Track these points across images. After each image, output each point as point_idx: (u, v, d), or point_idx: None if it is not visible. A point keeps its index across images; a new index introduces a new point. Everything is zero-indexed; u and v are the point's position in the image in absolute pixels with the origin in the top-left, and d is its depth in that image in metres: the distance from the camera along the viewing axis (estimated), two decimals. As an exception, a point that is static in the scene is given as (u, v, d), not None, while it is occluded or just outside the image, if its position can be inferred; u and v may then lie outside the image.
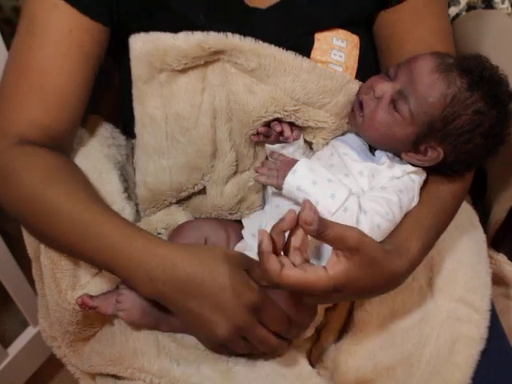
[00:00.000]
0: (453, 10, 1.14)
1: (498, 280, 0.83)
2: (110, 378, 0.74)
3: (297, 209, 0.61)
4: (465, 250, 0.78)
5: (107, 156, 0.81)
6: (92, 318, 0.76)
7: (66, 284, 0.73)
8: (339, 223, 0.61)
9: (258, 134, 0.74)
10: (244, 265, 0.66)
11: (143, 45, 0.71)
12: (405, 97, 0.70)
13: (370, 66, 0.79)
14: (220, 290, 0.64)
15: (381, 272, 0.63)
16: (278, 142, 0.75)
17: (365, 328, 0.75)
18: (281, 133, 0.73)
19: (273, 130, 0.73)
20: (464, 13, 1.15)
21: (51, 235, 0.70)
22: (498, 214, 0.96)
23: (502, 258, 0.90)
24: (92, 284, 0.75)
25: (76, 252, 0.70)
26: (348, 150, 0.74)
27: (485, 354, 0.72)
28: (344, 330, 0.78)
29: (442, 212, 0.73)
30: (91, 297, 0.72)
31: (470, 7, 1.16)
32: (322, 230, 0.58)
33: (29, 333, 1.14)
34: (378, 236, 0.67)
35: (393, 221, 0.69)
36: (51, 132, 0.73)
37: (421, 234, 0.70)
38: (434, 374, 0.71)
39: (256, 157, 0.78)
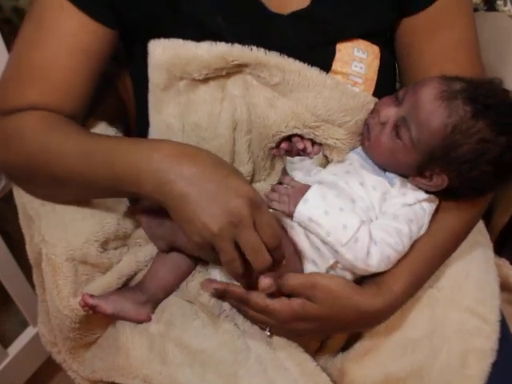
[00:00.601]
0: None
1: (501, 285, 0.83)
2: None
3: None
4: (472, 259, 0.78)
5: None
6: (93, 323, 0.76)
7: (67, 291, 0.72)
8: (295, 275, 0.67)
9: (278, 148, 0.73)
10: None
11: (163, 52, 0.69)
12: (407, 124, 0.70)
13: (389, 77, 0.79)
14: (223, 177, 0.61)
15: (350, 308, 0.67)
16: (298, 155, 0.75)
17: (374, 337, 0.75)
18: (303, 149, 0.73)
19: (295, 146, 0.73)
20: (467, 15, 1.15)
21: (59, 176, 0.69)
22: (500, 218, 0.96)
23: (504, 262, 0.90)
24: (94, 285, 0.74)
25: (85, 185, 0.69)
26: (363, 163, 0.75)
27: (495, 365, 0.73)
28: (351, 340, 0.78)
29: (448, 242, 0.75)
30: (91, 296, 0.71)
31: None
32: (280, 287, 0.66)
33: (29, 333, 1.14)
34: (385, 266, 0.69)
35: (401, 252, 0.70)
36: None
37: (413, 269, 0.71)
38: None
39: (273, 168, 0.77)
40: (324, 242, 0.69)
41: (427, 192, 0.73)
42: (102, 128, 0.83)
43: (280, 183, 0.76)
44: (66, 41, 0.71)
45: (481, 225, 0.85)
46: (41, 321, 0.82)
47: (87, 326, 0.75)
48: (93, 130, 0.81)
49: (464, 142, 0.68)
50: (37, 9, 0.72)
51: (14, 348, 1.13)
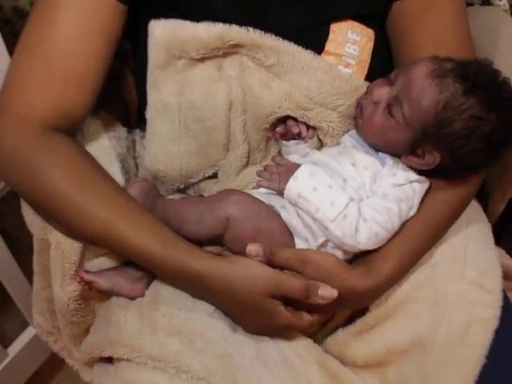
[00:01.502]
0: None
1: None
2: (107, 363, 0.74)
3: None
4: (470, 235, 0.78)
5: (108, 148, 0.81)
6: (92, 302, 0.77)
7: (71, 273, 0.74)
8: (286, 249, 0.69)
9: (274, 132, 0.75)
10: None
11: (163, 31, 0.70)
12: (400, 102, 0.71)
13: (382, 60, 0.80)
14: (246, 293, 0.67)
15: (339, 285, 0.67)
16: (293, 139, 0.76)
17: (375, 313, 0.75)
18: (298, 133, 0.75)
19: (290, 130, 0.74)
20: (461, 9, 1.15)
21: (81, 231, 0.71)
22: (495, 207, 0.96)
23: (500, 252, 0.90)
24: (93, 263, 0.76)
25: (107, 247, 0.72)
26: (356, 144, 0.76)
27: (498, 332, 0.73)
28: (353, 316, 0.78)
29: (439, 221, 0.75)
30: (87, 271, 0.73)
31: (467, 4, 1.15)
32: (270, 258, 0.67)
33: (29, 333, 1.14)
34: (374, 244, 0.70)
35: (391, 230, 0.71)
36: (70, 116, 0.73)
37: (402, 250, 0.72)
38: (449, 355, 0.71)
39: (268, 151, 0.79)
40: (314, 218, 0.69)
41: (419, 172, 0.74)
42: (102, 118, 0.84)
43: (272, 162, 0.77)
44: (85, 19, 0.70)
45: (477, 206, 0.86)
46: (36, 311, 0.83)
47: (87, 307, 0.77)
48: (93, 120, 0.82)
49: (456, 118, 0.69)
50: None
51: (14, 348, 1.12)
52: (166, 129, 0.77)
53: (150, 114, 0.77)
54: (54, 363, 1.16)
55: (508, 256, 0.86)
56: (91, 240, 0.72)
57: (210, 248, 0.72)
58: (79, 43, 0.71)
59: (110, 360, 0.74)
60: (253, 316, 0.69)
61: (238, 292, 0.67)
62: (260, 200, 0.73)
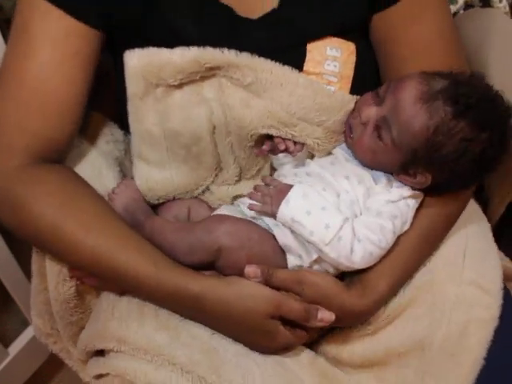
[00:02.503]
0: (451, 9, 1.14)
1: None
2: (99, 356, 0.75)
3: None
4: (469, 235, 0.78)
5: (105, 152, 0.81)
6: (88, 296, 0.78)
7: (68, 275, 0.74)
8: (283, 270, 0.69)
9: (261, 149, 0.74)
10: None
11: (138, 61, 0.70)
12: (388, 125, 0.70)
13: (369, 71, 0.79)
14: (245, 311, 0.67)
15: (336, 306, 0.69)
16: (282, 153, 0.76)
17: (376, 322, 0.75)
18: (285, 149, 0.74)
19: (277, 147, 0.74)
20: (462, 11, 1.15)
21: (70, 261, 0.72)
22: (496, 210, 0.96)
23: (500, 254, 0.89)
24: None
25: (98, 274, 0.72)
26: (348, 157, 0.75)
27: (498, 331, 0.72)
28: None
29: (432, 232, 0.75)
30: None
31: (467, 6, 1.16)
32: (268, 279, 0.68)
33: (29, 332, 1.15)
34: (369, 262, 0.70)
35: (385, 248, 0.71)
36: (54, 143, 0.73)
37: (397, 265, 0.72)
38: (447, 357, 0.71)
39: (260, 166, 0.78)
40: (308, 241, 0.69)
41: (412, 188, 0.73)
42: (99, 122, 0.84)
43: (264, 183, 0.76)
44: (57, 47, 0.70)
45: (476, 206, 0.85)
46: (34, 313, 0.83)
47: (83, 303, 0.78)
48: (89, 124, 0.82)
49: (446, 142, 0.67)
50: (21, 21, 0.71)
51: (15, 348, 1.13)
52: (154, 156, 0.77)
53: (135, 141, 0.77)
54: (54, 363, 1.17)
55: (508, 259, 0.86)
56: (82, 269, 0.72)
57: (207, 273, 0.71)
58: (55, 70, 0.70)
59: (104, 355, 0.74)
60: (252, 337, 0.69)
61: (238, 313, 0.67)
62: (251, 223, 0.73)
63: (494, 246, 0.80)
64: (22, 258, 1.05)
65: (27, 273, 1.05)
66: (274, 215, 0.70)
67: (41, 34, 0.70)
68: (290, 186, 0.70)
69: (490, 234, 0.82)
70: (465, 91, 0.68)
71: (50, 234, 0.69)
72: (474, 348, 0.71)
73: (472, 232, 0.78)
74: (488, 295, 0.74)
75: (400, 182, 0.73)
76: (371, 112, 0.71)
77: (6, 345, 1.12)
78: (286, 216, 0.68)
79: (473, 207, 0.84)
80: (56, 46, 0.70)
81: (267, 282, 0.68)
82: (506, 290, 0.76)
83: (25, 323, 1.15)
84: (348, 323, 0.74)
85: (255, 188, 0.74)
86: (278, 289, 0.68)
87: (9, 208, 0.70)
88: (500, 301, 0.74)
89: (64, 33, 0.70)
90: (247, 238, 0.71)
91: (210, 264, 0.71)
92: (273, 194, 0.71)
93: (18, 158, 0.71)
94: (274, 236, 0.72)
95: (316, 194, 0.69)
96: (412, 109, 0.68)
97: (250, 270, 0.67)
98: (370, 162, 0.74)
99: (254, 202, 0.72)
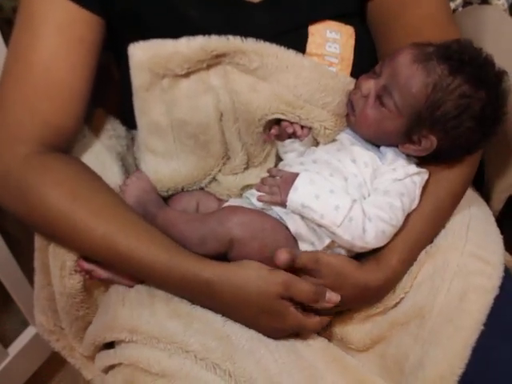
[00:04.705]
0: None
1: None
2: (108, 349, 0.74)
3: None
4: (471, 215, 0.78)
5: (108, 147, 0.81)
6: (95, 291, 0.78)
7: (73, 269, 0.74)
8: (303, 252, 0.70)
9: (269, 134, 0.75)
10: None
11: (143, 52, 0.71)
12: (389, 91, 0.71)
13: (367, 56, 0.80)
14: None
15: (352, 284, 0.69)
16: (289, 138, 0.77)
17: (385, 302, 0.75)
18: (293, 133, 0.75)
19: (284, 131, 0.74)
20: (460, 8, 1.16)
21: (81, 249, 0.72)
22: (496, 204, 0.96)
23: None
24: None
25: (109, 262, 0.72)
26: (354, 140, 0.76)
27: (497, 300, 0.72)
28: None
29: (439, 209, 0.75)
30: (86, 260, 0.74)
31: (466, 3, 1.17)
32: (294, 262, 0.68)
33: (29, 332, 1.14)
34: (382, 241, 0.71)
35: (396, 225, 0.71)
36: (62, 132, 0.74)
37: (409, 242, 0.73)
38: (446, 322, 0.71)
39: (267, 153, 0.79)
40: (320, 225, 0.69)
41: (418, 159, 0.74)
42: (101, 118, 0.84)
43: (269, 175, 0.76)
44: (62, 33, 0.71)
45: (476, 194, 0.86)
46: (38, 310, 0.83)
47: (90, 298, 0.78)
48: (92, 119, 0.83)
49: (446, 98, 0.69)
50: (26, 9, 0.72)
51: (15, 348, 1.13)
52: (161, 147, 0.77)
53: (142, 134, 0.78)
54: (54, 363, 1.17)
55: (507, 253, 0.86)
56: (93, 257, 0.73)
57: None
58: (61, 56, 0.71)
59: (112, 348, 0.74)
60: (263, 319, 0.69)
61: (249, 295, 0.67)
62: (263, 213, 0.73)
63: (495, 226, 0.81)
64: (21, 259, 1.05)
65: (27, 273, 1.05)
66: (283, 204, 0.70)
67: (46, 22, 0.71)
68: (296, 174, 0.71)
69: (492, 217, 0.83)
70: (456, 50, 0.70)
71: (61, 222, 0.69)
72: (473, 312, 0.71)
73: (475, 211, 0.79)
74: (489, 266, 0.74)
75: (405, 154, 0.74)
76: (370, 83, 0.73)
77: (6, 345, 1.12)
78: (296, 203, 0.69)
79: (474, 195, 0.85)
80: (61, 33, 0.71)
81: (292, 265, 0.68)
82: (506, 270, 0.76)
83: (24, 323, 1.15)
84: (364, 302, 0.74)
85: (262, 181, 0.74)
86: (294, 271, 0.69)
87: (18, 195, 0.70)
88: (501, 272, 0.74)
89: (69, 20, 0.71)
90: (260, 228, 0.71)
91: (223, 254, 0.71)
92: (280, 184, 0.71)
93: (27, 145, 0.71)
94: (285, 225, 0.72)
95: (323, 179, 0.70)
96: (409, 70, 0.70)
97: (282, 257, 0.67)
98: (375, 134, 0.74)
99: (263, 194, 0.72)
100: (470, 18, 1.07)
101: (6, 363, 1.10)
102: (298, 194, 0.69)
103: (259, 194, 0.73)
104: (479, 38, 1.02)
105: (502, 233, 0.80)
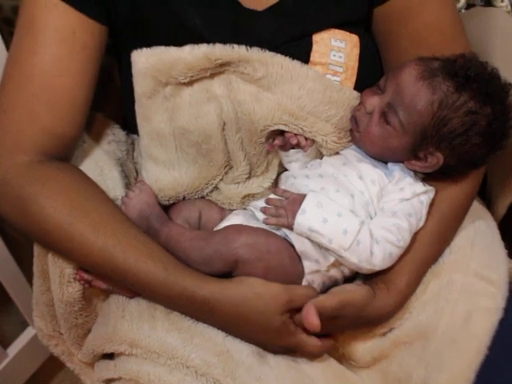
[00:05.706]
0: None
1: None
2: (108, 360, 0.74)
3: None
4: (476, 230, 0.78)
5: (108, 152, 0.81)
6: (94, 299, 0.78)
7: (72, 277, 0.74)
8: (329, 299, 0.68)
9: (272, 144, 0.73)
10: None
11: (147, 59, 0.70)
12: (394, 109, 0.70)
13: (372, 65, 0.79)
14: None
15: (366, 317, 0.70)
16: (292, 148, 0.76)
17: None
18: (297, 144, 0.74)
19: (288, 142, 0.74)
20: (463, 10, 1.15)
21: (78, 261, 0.72)
22: (499, 210, 0.96)
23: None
24: None
25: (106, 275, 0.71)
26: (360, 157, 0.75)
27: (502, 323, 0.72)
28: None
29: (444, 228, 0.75)
30: (86, 271, 0.73)
31: (469, 5, 1.16)
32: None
33: (28, 333, 1.14)
34: (389, 263, 0.70)
35: (403, 246, 0.70)
36: (62, 139, 0.73)
37: (416, 262, 0.72)
38: (450, 344, 0.71)
39: (269, 163, 0.78)
40: (327, 249, 0.69)
41: (423, 174, 0.74)
42: (101, 123, 0.84)
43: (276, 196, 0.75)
44: (64, 40, 0.70)
45: (481, 205, 0.85)
46: (37, 315, 0.83)
47: (89, 306, 0.77)
48: (91, 124, 0.82)
49: (452, 116, 0.68)
50: (26, 14, 0.71)
51: (14, 348, 1.12)
52: (163, 155, 0.76)
53: (144, 142, 0.77)
54: (54, 363, 1.16)
55: (510, 259, 0.86)
56: (90, 269, 0.72)
57: None
58: (63, 63, 0.71)
59: (111, 357, 0.74)
60: (263, 335, 0.69)
61: (248, 313, 0.67)
62: (267, 233, 0.72)
63: (500, 242, 0.80)
64: (21, 259, 1.05)
65: (26, 274, 1.05)
66: (290, 227, 0.69)
67: (47, 28, 0.70)
68: (304, 196, 0.69)
69: (497, 231, 0.82)
70: (462, 65, 0.69)
71: (59, 233, 0.68)
72: (477, 335, 0.71)
73: (479, 227, 0.79)
74: (493, 286, 0.74)
75: (412, 171, 0.73)
76: (374, 100, 0.72)
77: (6, 346, 1.12)
78: (303, 227, 0.68)
79: (479, 206, 0.84)
80: (63, 40, 0.70)
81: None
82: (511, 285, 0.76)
83: (24, 324, 1.15)
84: (374, 325, 0.74)
85: (267, 201, 0.73)
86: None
87: (17, 204, 0.70)
88: (505, 293, 0.74)
89: (70, 28, 0.70)
90: (266, 250, 0.70)
91: (227, 274, 0.71)
92: (287, 206, 0.70)
93: (27, 153, 0.70)
94: (290, 242, 0.71)
95: (330, 201, 0.69)
96: (414, 88, 0.69)
97: (315, 324, 0.64)
98: (381, 151, 0.74)
99: (269, 217, 0.71)
100: (473, 20, 1.07)
101: (5, 364, 1.10)
102: (305, 217, 0.68)
103: (264, 216, 0.71)
104: (482, 40, 1.02)
105: (505, 239, 0.79)
